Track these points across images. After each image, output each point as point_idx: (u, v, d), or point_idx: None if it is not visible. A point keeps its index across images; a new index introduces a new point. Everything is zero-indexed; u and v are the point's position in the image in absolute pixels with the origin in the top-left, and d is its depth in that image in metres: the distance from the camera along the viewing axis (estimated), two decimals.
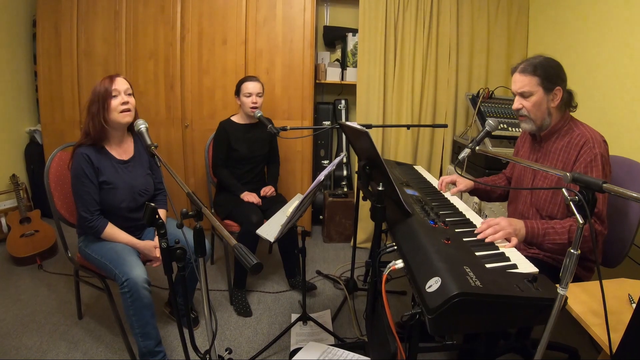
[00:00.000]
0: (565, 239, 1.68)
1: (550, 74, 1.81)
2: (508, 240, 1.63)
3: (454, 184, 2.26)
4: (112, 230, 2.17)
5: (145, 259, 2.26)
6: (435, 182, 2.48)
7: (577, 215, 1.11)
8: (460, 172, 3.23)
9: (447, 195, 2.20)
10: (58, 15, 3.69)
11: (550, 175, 1.90)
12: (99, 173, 2.14)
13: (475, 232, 1.67)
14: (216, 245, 3.51)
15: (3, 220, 3.64)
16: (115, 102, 2.12)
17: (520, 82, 1.85)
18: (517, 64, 1.90)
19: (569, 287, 1.14)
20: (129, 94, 2.18)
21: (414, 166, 2.97)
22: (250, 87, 2.95)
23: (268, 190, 3.11)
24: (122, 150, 2.28)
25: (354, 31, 3.96)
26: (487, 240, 1.61)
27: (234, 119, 3.11)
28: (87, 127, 2.13)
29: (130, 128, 2.26)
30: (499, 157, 1.89)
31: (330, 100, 4.30)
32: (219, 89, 3.75)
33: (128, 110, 2.16)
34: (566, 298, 1.16)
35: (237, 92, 3.02)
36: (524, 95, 1.86)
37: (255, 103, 2.96)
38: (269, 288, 3.11)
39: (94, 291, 2.56)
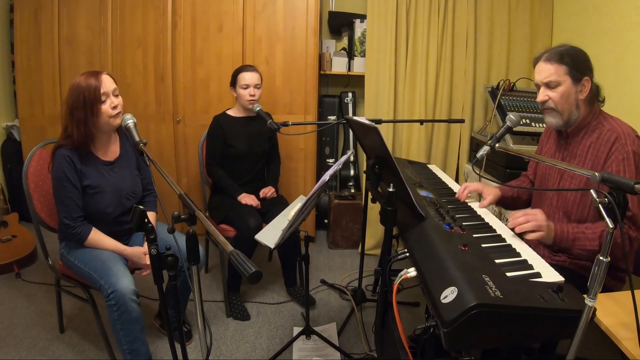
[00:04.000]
0: (597, 245, 1.69)
1: (578, 62, 1.80)
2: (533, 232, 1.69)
3: (479, 195, 2.24)
4: (96, 237, 2.18)
5: (133, 267, 2.27)
6: (451, 183, 2.49)
7: (607, 220, 1.11)
8: (478, 172, 3.23)
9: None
10: (38, 0, 3.71)
11: (578, 175, 1.89)
12: (83, 177, 2.15)
13: (509, 226, 1.73)
14: (211, 252, 3.52)
15: None
16: (105, 107, 2.09)
17: (546, 71, 1.84)
18: (540, 53, 1.89)
19: (597, 298, 1.14)
20: (117, 95, 2.15)
21: (428, 165, 2.98)
22: (248, 77, 2.96)
23: (268, 191, 3.12)
24: (108, 151, 2.28)
25: (362, 17, 3.96)
26: (516, 229, 1.68)
27: (230, 112, 3.13)
28: (69, 131, 2.10)
29: None
30: (521, 155, 1.89)
31: (336, 92, 4.31)
32: (214, 80, 3.76)
33: (118, 113, 2.14)
34: (595, 310, 1.17)
35: (233, 83, 3.03)
36: (550, 85, 1.85)
37: (253, 95, 2.97)
38: (268, 299, 3.12)
39: (77, 302, 2.58)
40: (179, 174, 3.92)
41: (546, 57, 1.85)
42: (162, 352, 2.50)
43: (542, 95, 1.88)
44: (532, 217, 1.69)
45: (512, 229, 1.72)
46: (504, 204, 2.33)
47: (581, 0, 3.35)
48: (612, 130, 1.80)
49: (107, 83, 2.11)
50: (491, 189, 2.21)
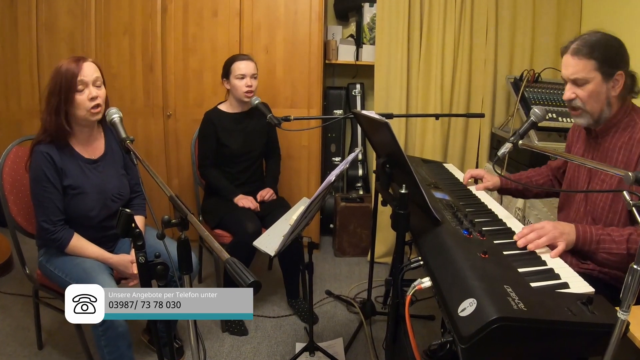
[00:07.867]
0: (624, 248, 1.66)
1: (610, 55, 1.77)
2: (553, 247, 1.64)
3: (481, 179, 2.35)
4: (79, 243, 2.19)
5: (119, 277, 2.29)
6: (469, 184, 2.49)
7: None
8: (499, 172, 3.23)
9: (483, 197, 2.20)
10: None
11: (609, 178, 1.88)
12: (63, 175, 2.15)
13: (515, 238, 1.69)
14: (204, 260, 3.53)
15: None
16: (81, 98, 2.08)
17: (573, 66, 1.81)
18: (568, 43, 1.86)
19: (631, 311, 1.14)
20: (99, 85, 2.15)
21: (444, 164, 2.98)
22: (243, 67, 2.97)
23: (265, 194, 3.13)
24: (91, 147, 2.29)
25: (372, 1, 3.97)
26: (529, 247, 1.62)
27: (222, 107, 3.13)
28: (45, 120, 2.11)
29: (101, 119, 2.24)
30: (546, 153, 1.89)
31: (343, 84, 4.32)
32: (208, 70, 3.77)
33: (98, 106, 2.13)
34: (628, 323, 1.17)
35: (226, 74, 3.04)
36: (577, 82, 1.82)
37: (250, 86, 2.98)
38: (268, 312, 3.13)
39: (57, 315, 2.59)
40: (170, 174, 3.93)
41: (574, 49, 1.81)
42: None
43: (569, 92, 1.85)
44: (542, 231, 1.65)
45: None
46: (511, 193, 2.38)
47: None
48: None
49: (87, 71, 2.09)
50: (493, 177, 2.33)
